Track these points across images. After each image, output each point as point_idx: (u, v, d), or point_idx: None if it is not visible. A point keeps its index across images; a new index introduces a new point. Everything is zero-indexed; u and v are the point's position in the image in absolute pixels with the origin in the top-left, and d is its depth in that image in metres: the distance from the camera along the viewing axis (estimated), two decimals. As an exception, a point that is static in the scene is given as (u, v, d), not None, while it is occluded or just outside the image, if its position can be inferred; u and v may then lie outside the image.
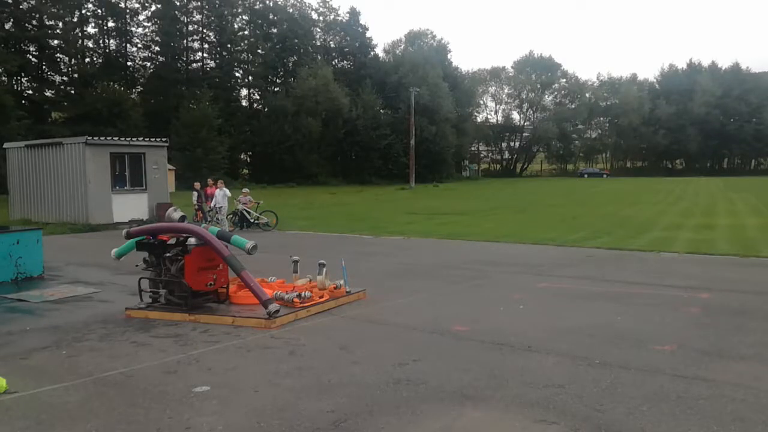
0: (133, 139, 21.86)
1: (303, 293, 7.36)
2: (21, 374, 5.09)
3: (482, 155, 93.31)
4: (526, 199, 32.99)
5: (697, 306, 7.32)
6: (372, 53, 68.05)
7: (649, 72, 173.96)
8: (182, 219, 7.53)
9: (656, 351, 5.52)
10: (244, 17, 61.42)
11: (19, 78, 46.50)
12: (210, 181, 19.52)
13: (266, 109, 58.08)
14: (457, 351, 5.66)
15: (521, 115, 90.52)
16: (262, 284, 7.57)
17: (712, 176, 70.76)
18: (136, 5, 55.15)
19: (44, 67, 48.87)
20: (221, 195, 17.88)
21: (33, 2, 45.53)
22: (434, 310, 7.36)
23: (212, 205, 18.04)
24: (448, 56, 73.56)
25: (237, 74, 60.90)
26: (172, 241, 7.18)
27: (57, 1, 46.68)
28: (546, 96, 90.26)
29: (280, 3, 62.33)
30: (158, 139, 21.15)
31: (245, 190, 19.59)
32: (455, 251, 12.74)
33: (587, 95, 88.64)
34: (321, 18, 66.40)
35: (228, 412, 4.23)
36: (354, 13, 65.49)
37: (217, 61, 59.29)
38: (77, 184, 18.56)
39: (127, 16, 55.02)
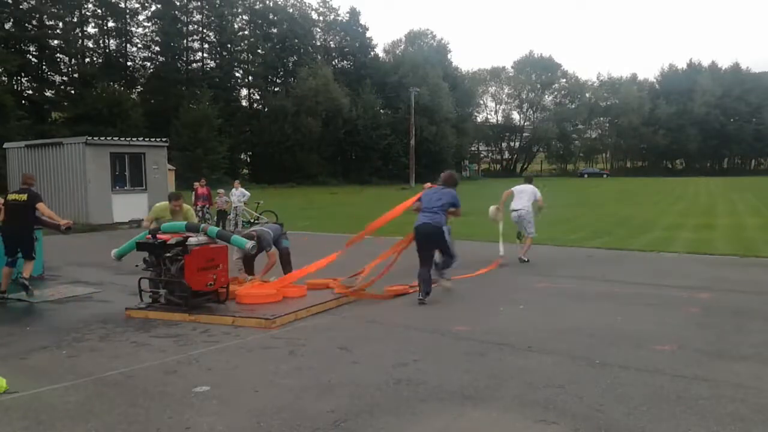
0: (133, 139, 21.85)
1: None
2: (21, 374, 5.08)
3: (482, 155, 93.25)
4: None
5: (697, 306, 7.31)
6: (372, 53, 68.12)
7: (649, 72, 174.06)
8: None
9: (656, 351, 5.51)
10: (244, 17, 61.46)
11: (19, 78, 46.47)
12: (203, 180, 19.62)
13: (266, 109, 58.08)
14: (457, 351, 5.65)
15: (521, 115, 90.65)
16: (263, 284, 7.59)
17: (712, 176, 70.68)
18: (136, 5, 55.22)
19: (44, 67, 48.87)
20: (239, 194, 18.25)
21: (33, 2, 45.53)
22: (434, 310, 7.36)
23: (201, 205, 18.26)
24: (448, 56, 73.81)
25: (237, 74, 60.97)
26: (173, 241, 7.19)
27: (57, 1, 46.68)
28: (546, 96, 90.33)
29: (280, 3, 62.35)
30: (158, 139, 21.15)
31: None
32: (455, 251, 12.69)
33: (587, 95, 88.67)
34: (321, 18, 66.48)
35: (228, 412, 4.23)
36: (354, 13, 65.56)
37: (217, 61, 59.31)
38: (77, 184, 18.55)
39: (127, 16, 55.02)
